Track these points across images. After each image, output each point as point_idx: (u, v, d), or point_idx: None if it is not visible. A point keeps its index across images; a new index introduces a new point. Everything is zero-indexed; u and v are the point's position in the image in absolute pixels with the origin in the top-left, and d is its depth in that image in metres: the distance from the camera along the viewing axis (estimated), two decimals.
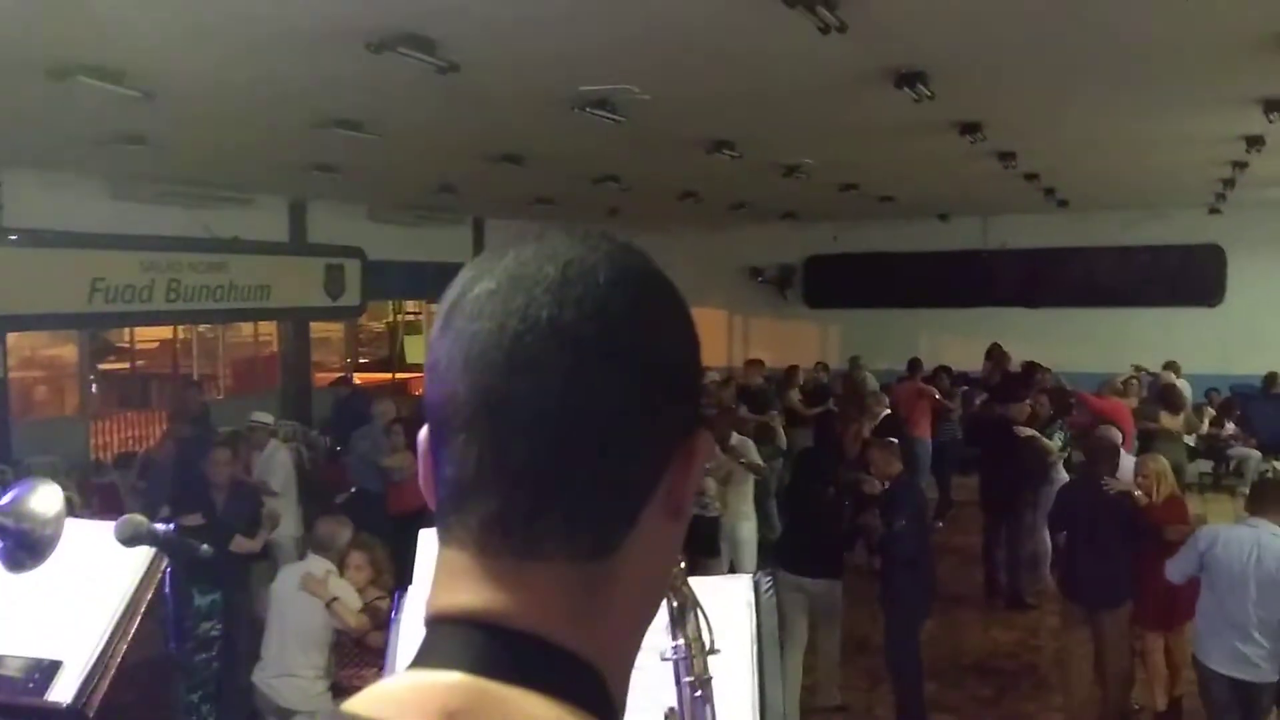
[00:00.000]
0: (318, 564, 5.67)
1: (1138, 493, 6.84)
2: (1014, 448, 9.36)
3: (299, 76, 6.74)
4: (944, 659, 8.08)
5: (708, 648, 1.03)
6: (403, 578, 1.96)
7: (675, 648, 1.01)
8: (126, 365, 17.36)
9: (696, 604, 1.03)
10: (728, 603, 1.51)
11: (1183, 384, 13.02)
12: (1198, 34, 6.23)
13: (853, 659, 7.53)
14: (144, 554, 1.82)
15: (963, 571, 10.37)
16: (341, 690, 5.45)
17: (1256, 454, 13.38)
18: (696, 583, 1.59)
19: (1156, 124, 9.30)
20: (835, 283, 19.07)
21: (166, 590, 1.82)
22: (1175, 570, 5.87)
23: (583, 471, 0.70)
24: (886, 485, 7.10)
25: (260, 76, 6.73)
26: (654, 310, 0.74)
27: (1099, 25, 6.07)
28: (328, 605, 5.48)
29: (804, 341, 19.11)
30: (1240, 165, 11.53)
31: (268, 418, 9.38)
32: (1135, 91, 7.92)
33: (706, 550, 8.66)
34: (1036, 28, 6.07)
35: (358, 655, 5.55)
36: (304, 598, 5.53)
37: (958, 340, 16.91)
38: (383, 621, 5.37)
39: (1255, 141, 9.80)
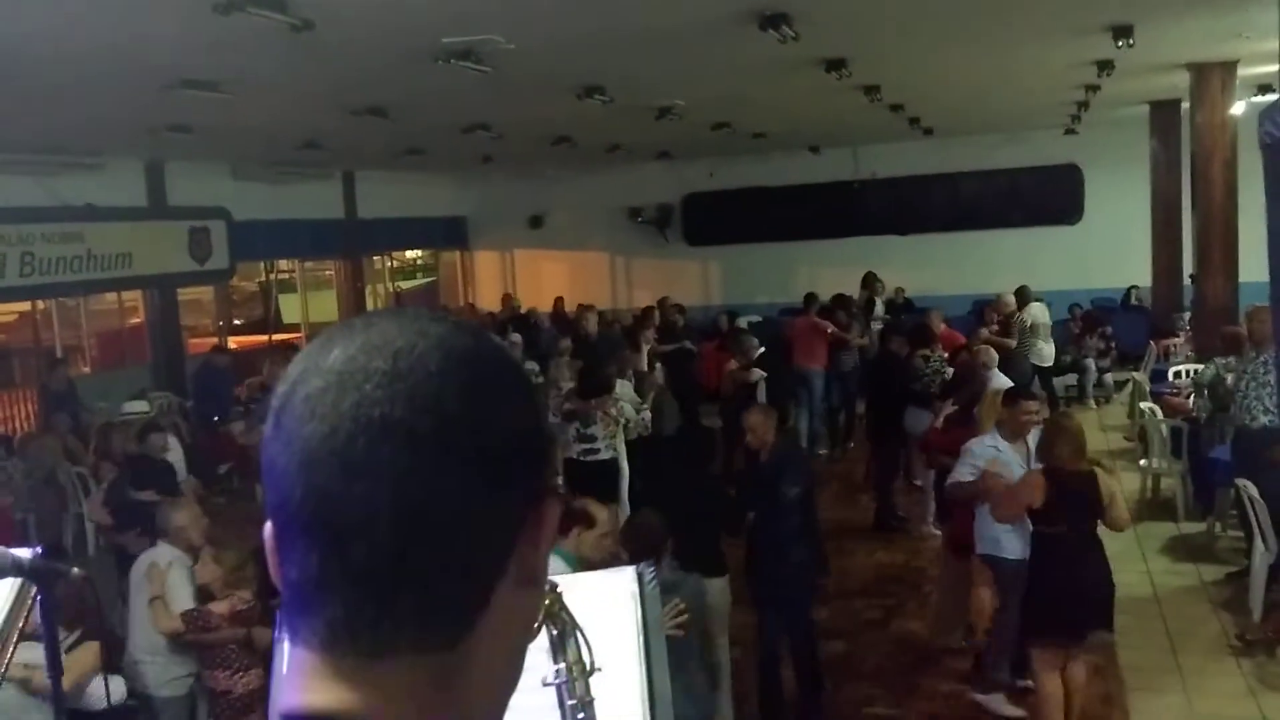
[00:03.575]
0: (165, 552, 5.30)
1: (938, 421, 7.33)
2: (895, 378, 9.58)
3: (141, 39, 6.42)
4: (832, 584, 8.34)
5: (589, 669, 1.05)
6: None
7: (557, 671, 1.03)
8: None
9: (576, 627, 1.04)
10: (612, 596, 1.53)
11: (1039, 307, 13.14)
12: None
13: None
14: (10, 584, 1.75)
15: (849, 497, 10.70)
16: (213, 695, 5.24)
17: (1092, 365, 14.03)
18: (580, 578, 1.61)
19: (1013, 52, 9.56)
20: (713, 219, 19.17)
21: (38, 619, 1.77)
22: (952, 476, 6.20)
23: (427, 566, 0.69)
24: (767, 456, 6.20)
25: (99, 40, 6.40)
26: (488, 392, 0.73)
27: None
28: (150, 600, 5.17)
29: (685, 280, 19.23)
30: (1092, 88, 11.95)
31: (142, 405, 8.68)
32: (992, 22, 8.11)
33: (610, 495, 8.26)
34: None
35: (236, 657, 5.13)
36: (144, 585, 5.26)
37: (834, 270, 17.22)
38: (249, 619, 5.12)
39: (1105, 65, 10.16)
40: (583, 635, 1.04)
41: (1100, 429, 12.21)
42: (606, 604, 1.49)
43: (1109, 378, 14.28)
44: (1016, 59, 9.90)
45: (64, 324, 14.89)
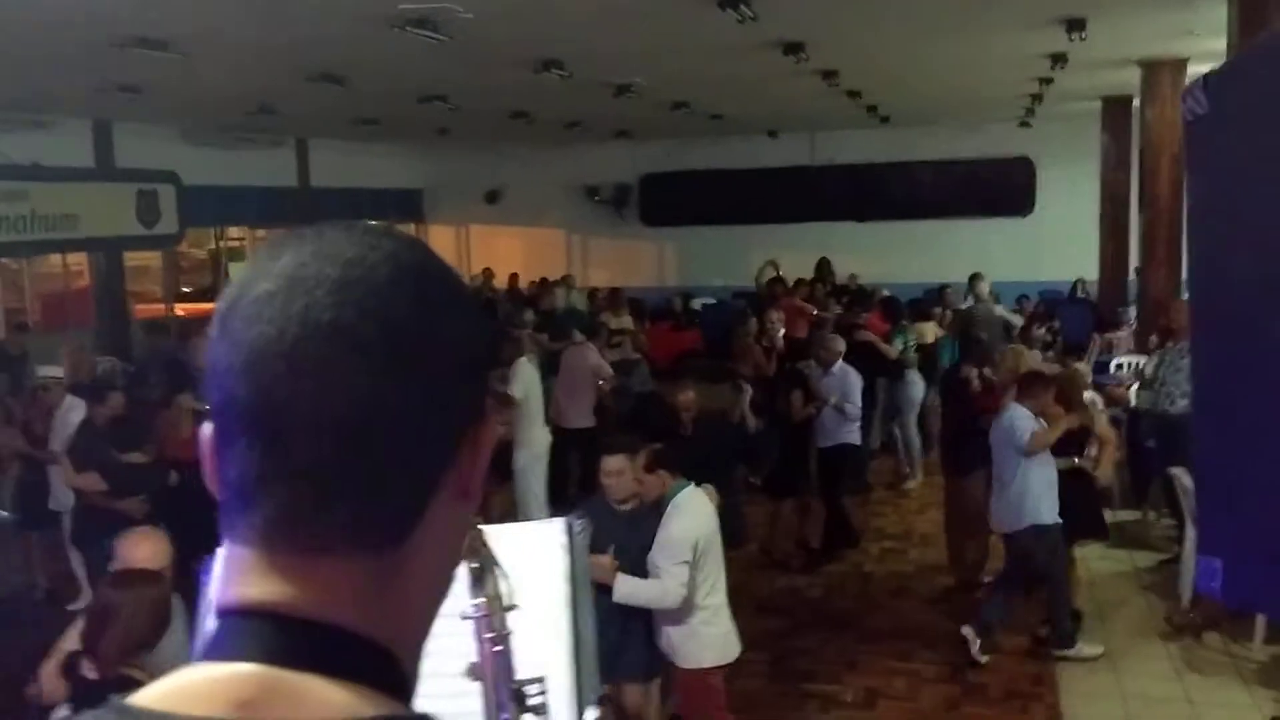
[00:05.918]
0: None
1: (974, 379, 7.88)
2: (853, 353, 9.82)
3: None
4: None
5: (506, 604, 1.06)
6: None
7: (475, 606, 1.04)
8: None
9: (495, 563, 1.06)
10: (542, 546, 1.56)
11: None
12: None
13: None
14: None
15: None
16: None
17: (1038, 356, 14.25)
18: (514, 529, 1.63)
19: (969, 42, 9.64)
20: (670, 200, 19.17)
21: None
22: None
23: (368, 469, 0.70)
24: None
25: None
26: (436, 306, 0.74)
27: None
28: None
29: (642, 260, 19.22)
30: (1046, 81, 12.08)
31: (58, 371, 8.55)
32: (948, 12, 8.18)
33: (500, 475, 8.10)
34: None
35: None
36: None
37: (789, 254, 17.32)
38: None
39: (1059, 59, 10.29)
40: (501, 571, 1.06)
41: None
42: (537, 553, 1.51)
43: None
44: (972, 48, 9.99)
45: (6, 285, 14.60)
